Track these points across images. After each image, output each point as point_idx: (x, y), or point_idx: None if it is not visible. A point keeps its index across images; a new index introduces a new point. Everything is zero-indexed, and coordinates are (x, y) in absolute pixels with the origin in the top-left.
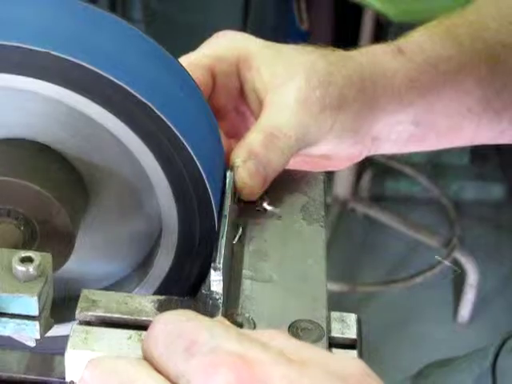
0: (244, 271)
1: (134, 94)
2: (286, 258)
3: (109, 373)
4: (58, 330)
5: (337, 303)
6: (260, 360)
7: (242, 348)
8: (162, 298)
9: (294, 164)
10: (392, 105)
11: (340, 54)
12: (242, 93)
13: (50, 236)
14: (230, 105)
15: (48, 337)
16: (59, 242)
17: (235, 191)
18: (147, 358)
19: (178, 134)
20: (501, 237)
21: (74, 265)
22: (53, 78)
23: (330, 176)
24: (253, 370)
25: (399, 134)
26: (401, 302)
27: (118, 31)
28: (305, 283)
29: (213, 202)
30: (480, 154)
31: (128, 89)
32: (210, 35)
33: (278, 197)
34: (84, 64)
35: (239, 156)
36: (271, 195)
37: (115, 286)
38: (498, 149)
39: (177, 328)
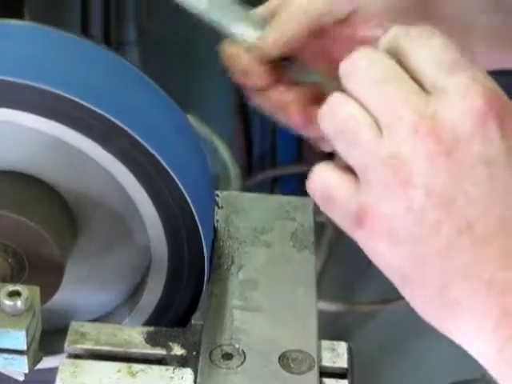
0: (234, 301)
1: (125, 128)
2: (276, 287)
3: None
4: (48, 362)
5: (334, 323)
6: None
7: (494, 86)
8: (151, 329)
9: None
10: None
11: None
12: None
13: (39, 268)
14: None
15: (38, 369)
16: (48, 274)
17: None
18: (404, 59)
19: (167, 167)
20: None
21: (64, 296)
22: (42, 112)
23: None
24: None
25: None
26: (399, 321)
27: (110, 65)
28: (295, 312)
29: (201, 230)
30: None
31: (119, 124)
32: (205, 52)
33: (267, 224)
34: (74, 98)
35: None
36: (259, 223)
37: (105, 317)
38: None
39: (445, 46)
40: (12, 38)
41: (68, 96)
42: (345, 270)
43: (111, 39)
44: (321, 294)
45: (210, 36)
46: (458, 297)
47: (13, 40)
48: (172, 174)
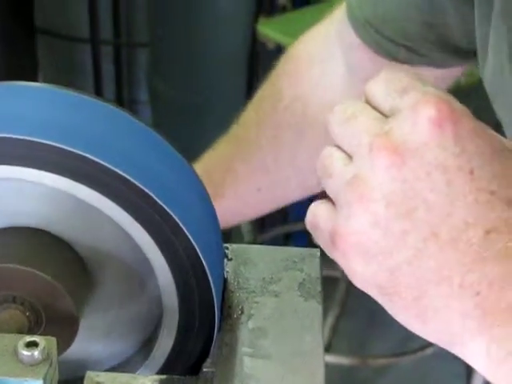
0: (244, 349)
1: (135, 183)
2: (285, 335)
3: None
4: None
5: (348, 377)
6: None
7: (446, 96)
8: (163, 377)
9: None
10: None
11: None
12: None
13: (55, 320)
14: None
15: None
16: (64, 326)
17: None
18: (367, 98)
19: (176, 219)
20: None
21: (79, 347)
22: (56, 169)
23: None
24: (451, 108)
25: None
26: (413, 375)
27: (117, 122)
28: (303, 359)
29: (211, 281)
30: None
31: (129, 178)
32: (215, 113)
33: (275, 275)
34: (91, 157)
35: None
36: (268, 273)
37: (120, 366)
38: None
39: (396, 76)
40: (33, 99)
41: (85, 155)
42: (358, 324)
43: (123, 100)
44: (335, 348)
45: (223, 99)
46: (434, 303)
47: (34, 101)
48: (184, 228)
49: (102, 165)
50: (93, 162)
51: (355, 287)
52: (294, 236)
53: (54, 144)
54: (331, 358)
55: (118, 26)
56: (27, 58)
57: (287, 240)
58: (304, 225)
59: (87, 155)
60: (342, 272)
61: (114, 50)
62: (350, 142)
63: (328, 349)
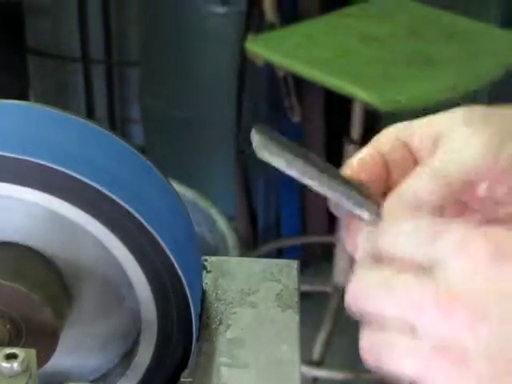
0: (221, 359)
1: (114, 198)
2: (262, 345)
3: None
4: None
5: None
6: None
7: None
8: None
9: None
10: None
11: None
12: None
13: (35, 333)
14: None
15: None
16: (44, 339)
17: None
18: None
19: (154, 233)
20: None
21: (59, 360)
22: (35, 185)
23: (329, 265)
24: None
25: None
26: None
27: (102, 140)
28: (279, 368)
29: (188, 294)
30: None
31: (107, 193)
32: (205, 130)
33: (253, 286)
34: (70, 173)
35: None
36: (246, 285)
37: (100, 379)
38: None
39: (416, 225)
40: (12, 116)
41: (64, 171)
42: (351, 339)
43: (116, 118)
44: (327, 363)
45: (213, 115)
46: None
47: (11, 118)
48: (161, 242)
49: (81, 180)
50: (72, 177)
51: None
52: (287, 251)
53: (33, 160)
54: (324, 373)
55: (109, 44)
56: (18, 77)
57: (280, 255)
58: (296, 239)
59: (66, 170)
60: (335, 287)
61: (106, 68)
62: (401, 314)
63: (320, 364)
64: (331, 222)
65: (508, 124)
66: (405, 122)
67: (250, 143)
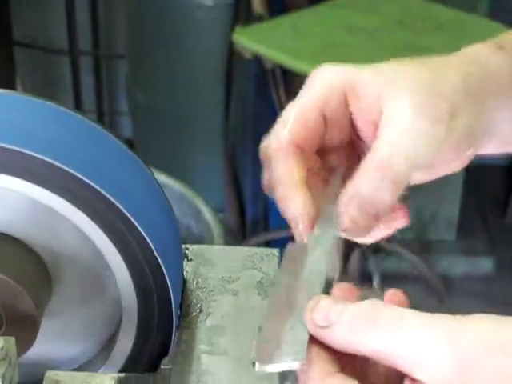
0: (201, 346)
1: (93, 186)
2: (242, 333)
3: None
4: None
5: None
6: None
7: None
8: (121, 375)
9: (415, 180)
10: (499, 101)
11: (439, 58)
12: (354, 127)
13: (15, 321)
14: (344, 142)
15: None
16: (24, 327)
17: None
18: None
19: (134, 221)
20: (492, 311)
21: (40, 348)
22: (16, 173)
23: None
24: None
25: (500, 133)
26: None
27: (83, 129)
28: None
29: (169, 281)
30: (467, 229)
31: (87, 181)
32: (194, 123)
33: (234, 274)
34: (52, 161)
35: (343, 201)
36: (227, 273)
37: (82, 367)
38: (485, 223)
39: None
40: (1, 106)
41: (44, 158)
42: None
43: (104, 111)
44: None
45: (201, 108)
46: None
47: (3, 108)
48: (141, 230)
49: (61, 168)
50: (52, 165)
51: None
52: (275, 243)
53: (13, 147)
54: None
55: (97, 37)
56: (5, 70)
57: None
58: (285, 232)
59: (46, 158)
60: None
61: (94, 60)
62: None
63: None
64: None
65: (458, 89)
66: (341, 67)
67: (238, 136)
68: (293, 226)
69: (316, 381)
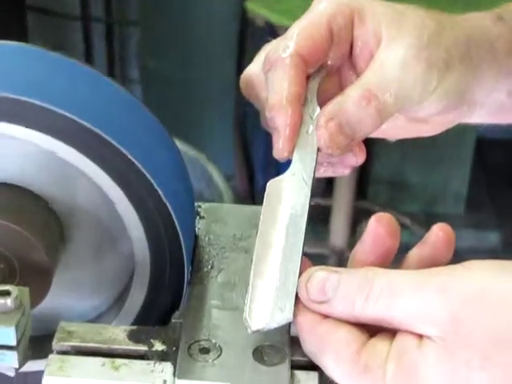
0: (212, 301)
1: (109, 140)
2: None
3: None
4: (40, 365)
5: None
6: None
7: None
8: (133, 328)
9: (386, 129)
10: (492, 71)
11: (446, 15)
12: (352, 54)
13: (29, 273)
14: (345, 62)
15: (29, 372)
16: (37, 279)
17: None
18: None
19: (149, 177)
20: None
21: (54, 300)
22: (32, 125)
23: (325, 226)
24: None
25: (492, 102)
26: None
27: (94, 82)
28: None
29: (181, 238)
30: (475, 203)
31: (102, 135)
32: (205, 90)
33: (245, 231)
34: (61, 111)
35: (324, 115)
36: (238, 230)
37: (94, 321)
38: (493, 197)
39: None
40: (6, 56)
41: (60, 111)
42: None
43: (115, 78)
44: None
45: (213, 76)
46: None
47: (7, 58)
48: (154, 184)
49: (76, 121)
50: (67, 117)
51: (343, 263)
52: None
53: (29, 100)
54: None
55: (110, 3)
56: (18, 36)
57: None
58: None
59: (62, 111)
60: (331, 249)
61: (106, 27)
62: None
63: None
64: (328, 185)
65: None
66: None
67: (249, 103)
68: (275, 137)
69: (307, 329)
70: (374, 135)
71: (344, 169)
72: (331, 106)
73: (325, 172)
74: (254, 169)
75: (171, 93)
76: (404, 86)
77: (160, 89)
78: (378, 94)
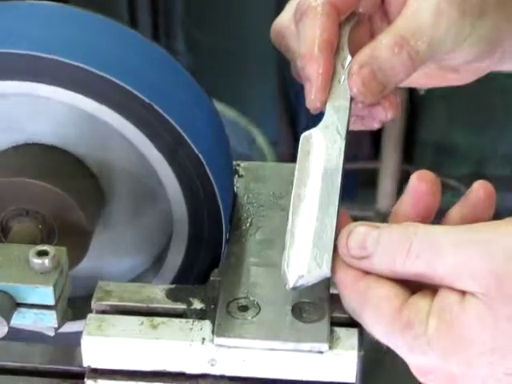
0: (250, 259)
1: (144, 98)
2: None
3: None
4: (81, 326)
5: None
6: None
7: None
8: (172, 286)
9: (417, 77)
10: None
11: None
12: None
13: (67, 234)
14: (376, 10)
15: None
16: (76, 240)
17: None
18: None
19: (184, 135)
20: None
21: (93, 262)
22: (67, 85)
23: (372, 189)
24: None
25: None
26: None
27: (138, 46)
28: None
29: (218, 197)
30: None
31: (140, 96)
32: (250, 60)
33: (284, 190)
34: (95, 71)
35: (356, 62)
36: (276, 189)
37: (135, 279)
38: None
39: None
40: (38, 16)
41: (96, 71)
42: None
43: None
44: None
45: (256, 45)
46: None
47: (39, 18)
48: (191, 143)
49: (113, 81)
50: (104, 78)
51: None
52: None
53: (62, 59)
54: None
55: None
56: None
57: None
58: None
59: (98, 71)
60: (377, 212)
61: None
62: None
63: None
64: (375, 148)
65: None
66: None
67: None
68: (307, 87)
69: (347, 285)
70: (406, 84)
71: (373, 122)
72: (363, 54)
73: (354, 125)
74: (299, 133)
75: (217, 62)
76: (437, 33)
77: (206, 59)
78: (410, 41)
